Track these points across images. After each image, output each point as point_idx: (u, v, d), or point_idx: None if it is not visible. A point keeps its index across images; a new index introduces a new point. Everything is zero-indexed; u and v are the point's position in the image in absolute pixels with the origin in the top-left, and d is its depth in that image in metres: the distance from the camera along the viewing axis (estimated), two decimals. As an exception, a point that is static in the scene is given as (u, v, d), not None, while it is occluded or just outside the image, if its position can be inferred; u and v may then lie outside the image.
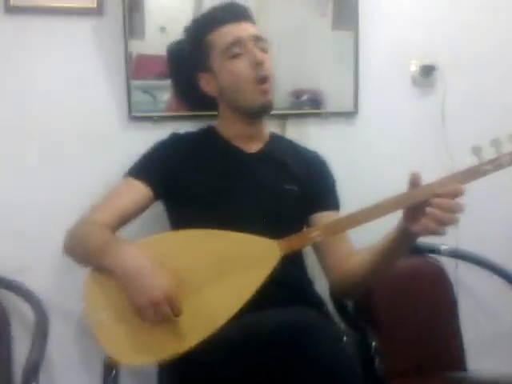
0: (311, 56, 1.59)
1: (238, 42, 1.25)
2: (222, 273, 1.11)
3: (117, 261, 1.10)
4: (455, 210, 1.02)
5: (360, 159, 1.66)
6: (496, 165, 1.04)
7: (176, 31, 1.39)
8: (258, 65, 1.24)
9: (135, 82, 1.44)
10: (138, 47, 1.42)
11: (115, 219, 1.23)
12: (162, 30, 1.42)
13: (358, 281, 1.25)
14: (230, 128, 1.33)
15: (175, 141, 1.35)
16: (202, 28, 1.30)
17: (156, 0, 1.44)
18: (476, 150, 1.05)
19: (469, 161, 1.50)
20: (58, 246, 1.26)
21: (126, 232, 1.29)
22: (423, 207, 1.04)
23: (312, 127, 1.62)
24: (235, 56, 1.25)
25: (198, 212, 1.24)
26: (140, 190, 1.27)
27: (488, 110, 1.74)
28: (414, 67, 1.70)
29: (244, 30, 1.26)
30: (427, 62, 1.69)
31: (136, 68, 1.44)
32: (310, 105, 1.61)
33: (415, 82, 1.71)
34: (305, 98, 1.61)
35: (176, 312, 1.07)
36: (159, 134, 1.39)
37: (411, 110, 1.70)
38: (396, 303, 1.56)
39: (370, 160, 1.67)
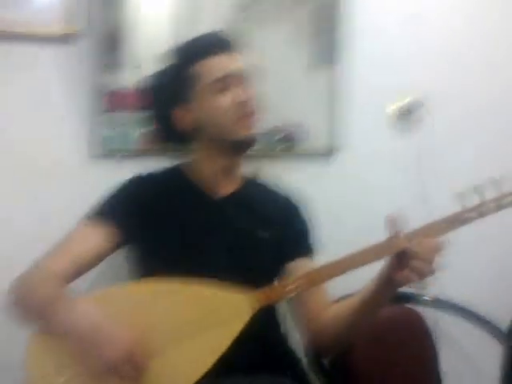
0: (287, 95, 1.55)
1: (227, 76, 1.19)
2: (189, 330, 1.02)
3: (67, 320, 1.00)
4: (434, 261, 1.00)
5: (337, 202, 1.60)
6: (480, 212, 1.01)
7: (151, 66, 1.33)
8: (242, 103, 1.19)
9: (108, 117, 1.40)
10: (114, 82, 1.40)
11: (71, 268, 1.12)
12: (139, 66, 1.40)
13: (337, 334, 1.17)
14: (202, 166, 1.26)
15: (139, 183, 1.26)
16: (188, 57, 1.22)
17: (134, 36, 1.42)
18: (459, 197, 1.02)
19: (451, 207, 1.46)
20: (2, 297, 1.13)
21: (81, 280, 1.18)
22: (407, 255, 1.01)
23: (287, 168, 1.57)
24: (220, 91, 1.19)
25: (163, 263, 1.14)
26: (100, 237, 1.17)
27: (469, 154, 1.71)
28: (393, 108, 1.66)
29: (234, 62, 1.21)
30: (407, 103, 1.65)
31: (110, 103, 1.40)
32: (285, 144, 1.56)
33: (394, 122, 1.67)
34: (280, 136, 1.56)
35: (141, 369, 0.97)
36: (125, 172, 1.31)
37: (390, 151, 1.66)
38: (374, 355, 1.45)
39: (348, 203, 1.61)
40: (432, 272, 0.99)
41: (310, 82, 1.58)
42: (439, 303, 1.54)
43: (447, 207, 1.54)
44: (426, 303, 1.53)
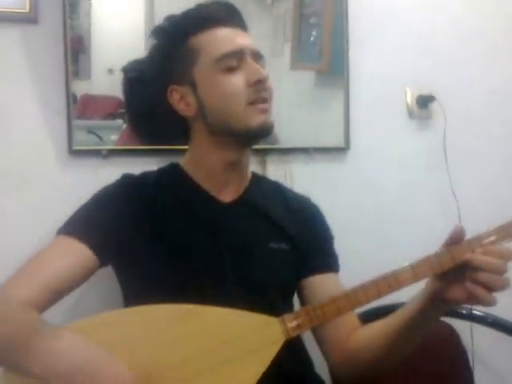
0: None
1: (237, 51, 0.97)
2: (207, 365, 0.82)
3: (46, 361, 0.77)
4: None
5: (353, 202, 1.42)
6: None
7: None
8: (259, 83, 0.96)
9: (79, 122, 1.23)
10: (84, 88, 1.26)
11: (45, 295, 0.88)
12: (110, 71, 1.28)
13: (371, 360, 0.98)
14: (205, 162, 1.03)
15: (127, 187, 1.02)
16: (186, 26, 0.99)
17: (103, 41, 1.28)
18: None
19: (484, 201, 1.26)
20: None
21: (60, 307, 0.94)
22: (464, 268, 0.83)
23: (297, 165, 1.37)
24: (230, 70, 0.97)
25: (160, 284, 0.94)
26: (80, 254, 0.93)
27: (494, 142, 1.55)
28: (409, 97, 1.49)
29: (243, 38, 0.99)
30: (424, 91, 1.49)
31: (81, 108, 1.24)
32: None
33: (412, 113, 1.50)
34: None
35: None
36: (109, 172, 1.09)
37: (409, 145, 1.49)
38: (401, 375, 1.26)
39: (365, 203, 1.43)
40: (506, 285, 0.81)
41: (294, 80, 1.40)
42: (474, 315, 1.35)
43: (479, 202, 1.44)
44: (459, 316, 1.35)
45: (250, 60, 0.98)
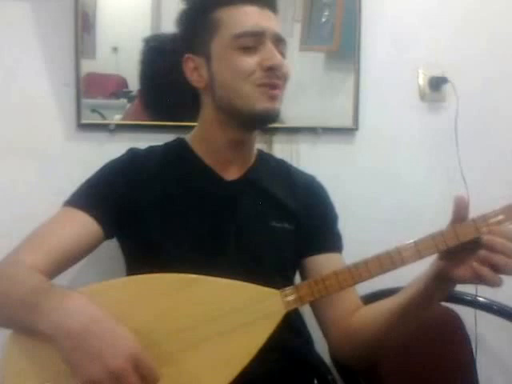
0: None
1: (257, 33, 0.95)
2: (206, 334, 0.82)
3: (54, 319, 0.77)
4: None
5: (360, 184, 1.40)
6: None
7: (129, 51, 1.24)
8: (271, 69, 0.95)
9: (84, 101, 1.22)
10: (88, 66, 1.24)
11: (50, 262, 0.90)
12: (115, 50, 1.27)
13: (370, 341, 0.97)
14: (211, 138, 1.03)
15: (133, 161, 1.03)
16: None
17: (108, 20, 1.26)
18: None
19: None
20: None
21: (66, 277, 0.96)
22: (470, 247, 0.82)
23: (304, 145, 1.35)
24: (246, 49, 0.96)
25: (162, 258, 0.94)
26: (86, 226, 0.95)
27: (506, 127, 1.52)
28: (421, 79, 1.46)
29: (267, 20, 0.98)
30: (437, 73, 1.46)
31: (86, 87, 1.23)
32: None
33: (424, 95, 1.47)
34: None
35: (152, 380, 0.76)
36: (115, 147, 1.09)
37: (419, 127, 1.46)
38: (405, 359, 1.27)
39: (372, 185, 1.41)
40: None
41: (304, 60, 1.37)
42: (478, 302, 1.34)
43: (489, 187, 1.42)
44: (463, 302, 1.34)
45: (269, 44, 0.96)
